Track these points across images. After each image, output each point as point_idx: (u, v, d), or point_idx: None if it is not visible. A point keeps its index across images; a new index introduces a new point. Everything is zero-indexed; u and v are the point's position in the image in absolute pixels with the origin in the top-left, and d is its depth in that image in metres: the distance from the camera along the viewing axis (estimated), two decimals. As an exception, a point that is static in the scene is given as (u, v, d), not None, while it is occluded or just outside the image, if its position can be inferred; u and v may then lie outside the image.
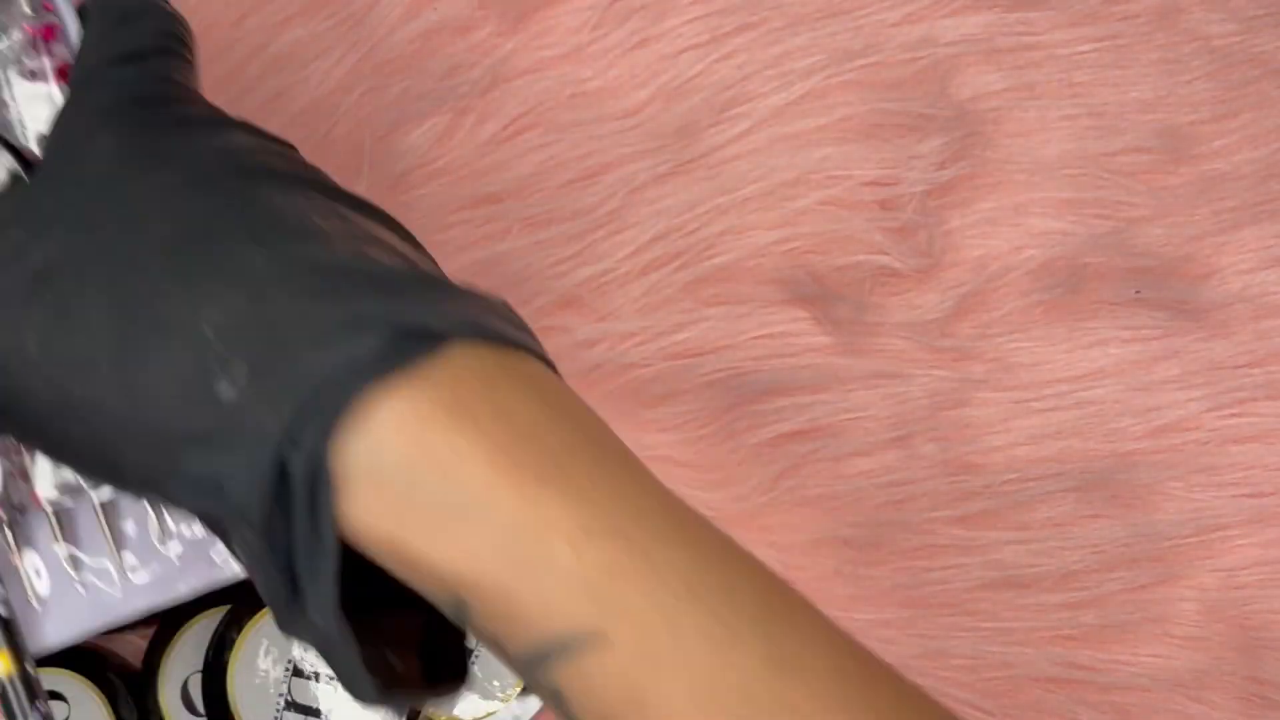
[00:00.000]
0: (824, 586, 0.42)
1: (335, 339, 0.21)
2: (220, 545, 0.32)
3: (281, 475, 0.21)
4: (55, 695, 0.38)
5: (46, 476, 0.32)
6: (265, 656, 0.37)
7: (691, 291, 0.44)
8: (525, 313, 0.44)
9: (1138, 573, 0.42)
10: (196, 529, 0.33)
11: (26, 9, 0.31)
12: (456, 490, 0.21)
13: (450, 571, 0.21)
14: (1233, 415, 0.43)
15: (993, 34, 0.46)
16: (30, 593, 0.32)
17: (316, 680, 0.37)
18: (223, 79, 0.45)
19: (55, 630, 0.32)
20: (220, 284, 0.22)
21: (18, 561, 0.32)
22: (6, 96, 0.31)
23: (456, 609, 0.22)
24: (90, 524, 0.32)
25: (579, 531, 0.21)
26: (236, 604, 0.37)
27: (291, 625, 0.22)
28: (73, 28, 0.31)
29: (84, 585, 0.32)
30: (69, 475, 0.32)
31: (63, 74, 0.31)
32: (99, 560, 0.32)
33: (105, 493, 0.32)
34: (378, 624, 0.23)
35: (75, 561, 0.32)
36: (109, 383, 0.22)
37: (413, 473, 0.21)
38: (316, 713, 0.36)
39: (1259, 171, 0.46)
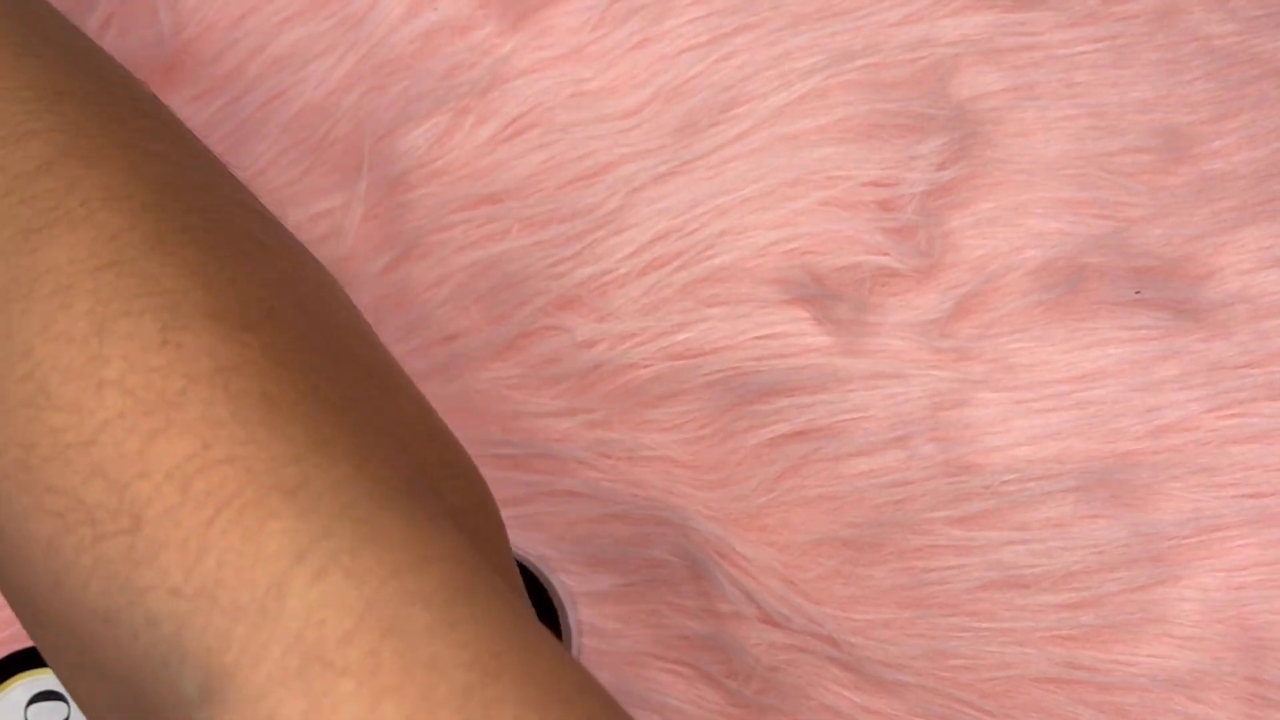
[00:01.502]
0: (824, 586, 0.42)
1: None
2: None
3: None
4: (55, 695, 0.38)
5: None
6: (265, 656, 0.37)
7: (691, 291, 0.44)
8: (525, 313, 0.44)
9: (1138, 573, 0.42)
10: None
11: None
12: None
13: None
14: (1233, 415, 0.43)
15: (993, 34, 0.46)
16: None
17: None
18: (223, 79, 0.45)
19: None
20: None
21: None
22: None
23: None
24: None
25: None
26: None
27: None
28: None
29: None
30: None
31: None
32: None
33: None
34: None
35: None
36: None
37: None
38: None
39: (1259, 171, 0.46)
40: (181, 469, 0.20)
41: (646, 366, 0.43)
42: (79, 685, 0.22)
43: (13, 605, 0.23)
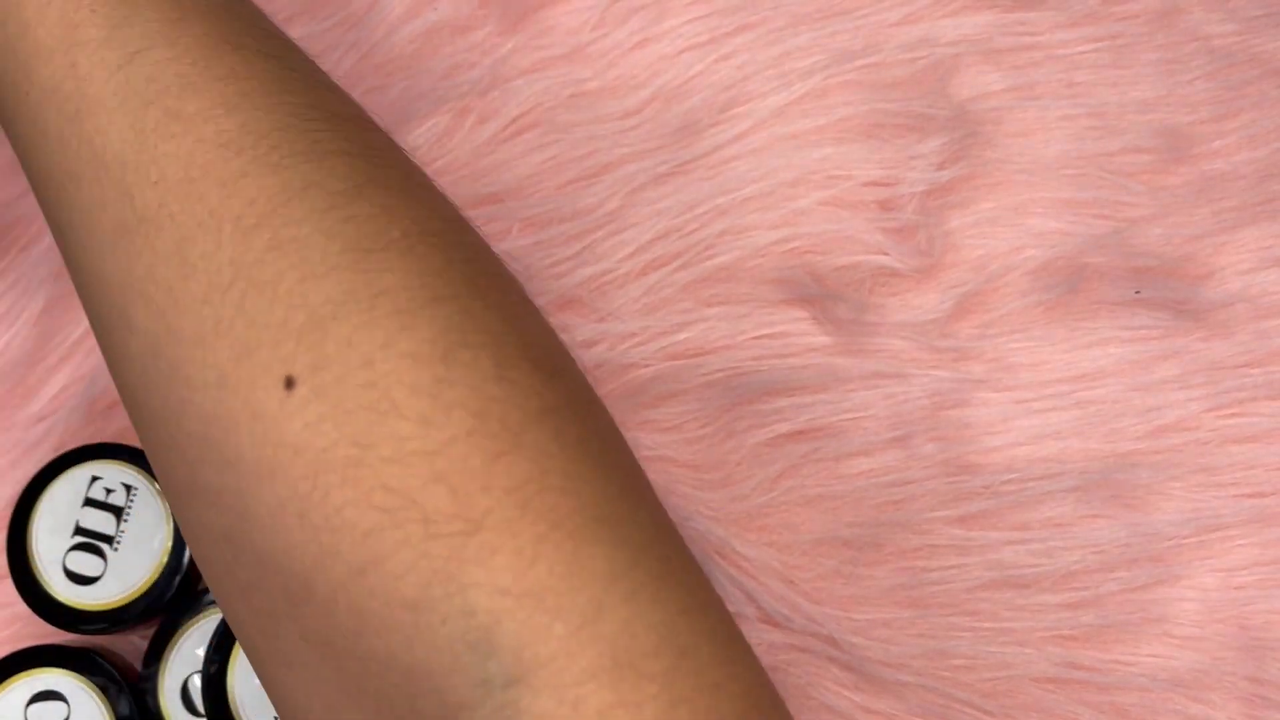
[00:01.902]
0: (824, 586, 0.42)
1: None
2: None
3: None
4: (55, 695, 0.38)
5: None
6: (265, 656, 0.37)
7: (691, 291, 0.44)
8: (525, 313, 0.44)
9: (1138, 573, 0.42)
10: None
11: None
12: None
13: None
14: (1233, 415, 0.43)
15: (993, 34, 0.46)
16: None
17: (316, 680, 0.37)
18: (223, 79, 0.45)
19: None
20: None
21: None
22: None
23: None
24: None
25: None
26: (236, 604, 0.37)
27: None
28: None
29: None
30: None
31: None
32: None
33: None
34: None
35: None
36: None
37: None
38: (316, 713, 0.36)
39: (1259, 171, 0.46)
40: (522, 489, 0.23)
41: (646, 366, 0.43)
42: (301, 672, 0.25)
43: (250, 585, 0.25)
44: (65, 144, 0.26)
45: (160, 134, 0.25)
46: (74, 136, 0.26)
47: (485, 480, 0.23)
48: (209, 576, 0.26)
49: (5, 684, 0.38)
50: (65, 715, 0.38)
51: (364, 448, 0.23)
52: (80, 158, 0.26)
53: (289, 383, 0.23)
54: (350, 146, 0.26)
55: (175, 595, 0.38)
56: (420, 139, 0.45)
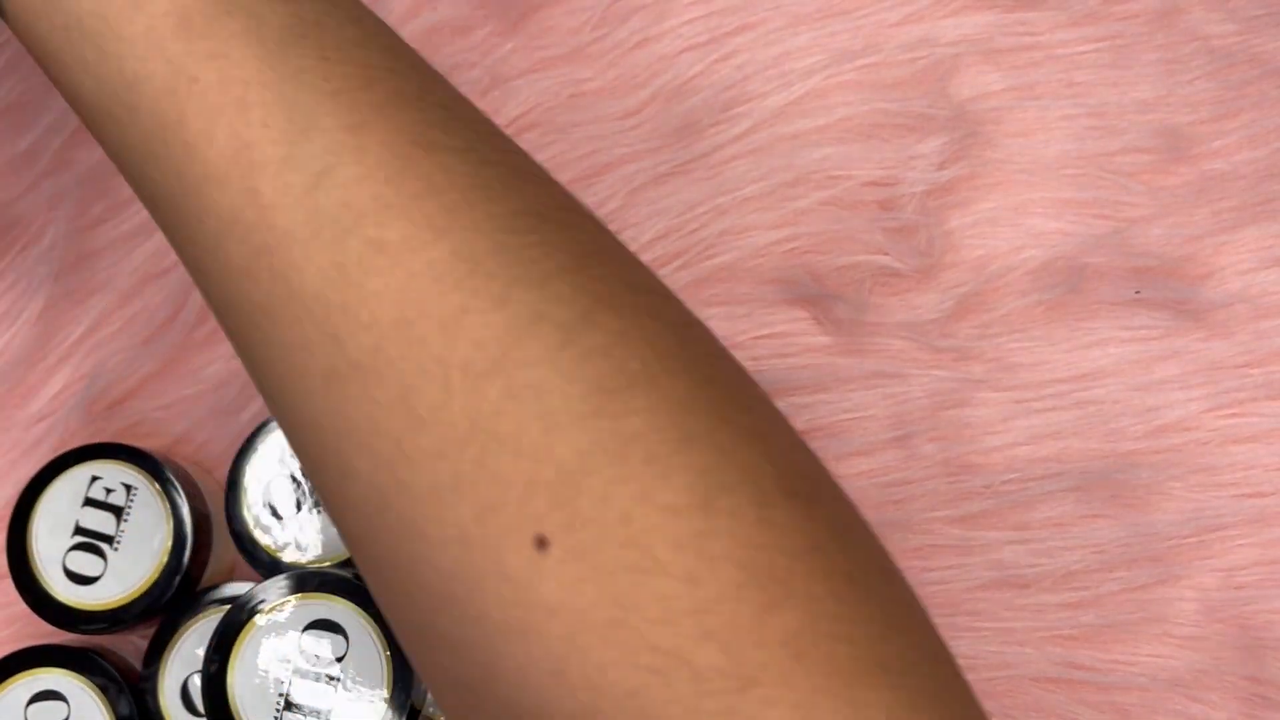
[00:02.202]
0: (824, 586, 0.42)
1: None
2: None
3: None
4: (55, 695, 0.38)
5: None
6: (265, 656, 0.37)
7: (691, 291, 0.44)
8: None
9: (1138, 573, 0.42)
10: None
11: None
12: None
13: None
14: (1233, 415, 0.43)
15: (993, 34, 0.46)
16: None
17: (317, 680, 0.37)
18: (223, 79, 0.45)
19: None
20: None
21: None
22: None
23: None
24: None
25: None
26: (237, 603, 0.37)
27: None
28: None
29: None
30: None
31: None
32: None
33: None
34: None
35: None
36: None
37: None
38: (317, 713, 0.36)
39: (1259, 171, 0.46)
40: (797, 640, 0.22)
41: (646, 366, 0.43)
42: None
43: None
44: (255, 279, 0.24)
45: (365, 269, 0.23)
46: (264, 271, 0.23)
47: (758, 635, 0.22)
48: (446, 712, 0.25)
49: (5, 684, 0.38)
50: (65, 715, 0.38)
51: (627, 609, 0.22)
52: (274, 295, 0.23)
53: (540, 543, 0.22)
54: (568, 260, 0.24)
55: (175, 595, 0.38)
56: (420, 139, 0.45)
